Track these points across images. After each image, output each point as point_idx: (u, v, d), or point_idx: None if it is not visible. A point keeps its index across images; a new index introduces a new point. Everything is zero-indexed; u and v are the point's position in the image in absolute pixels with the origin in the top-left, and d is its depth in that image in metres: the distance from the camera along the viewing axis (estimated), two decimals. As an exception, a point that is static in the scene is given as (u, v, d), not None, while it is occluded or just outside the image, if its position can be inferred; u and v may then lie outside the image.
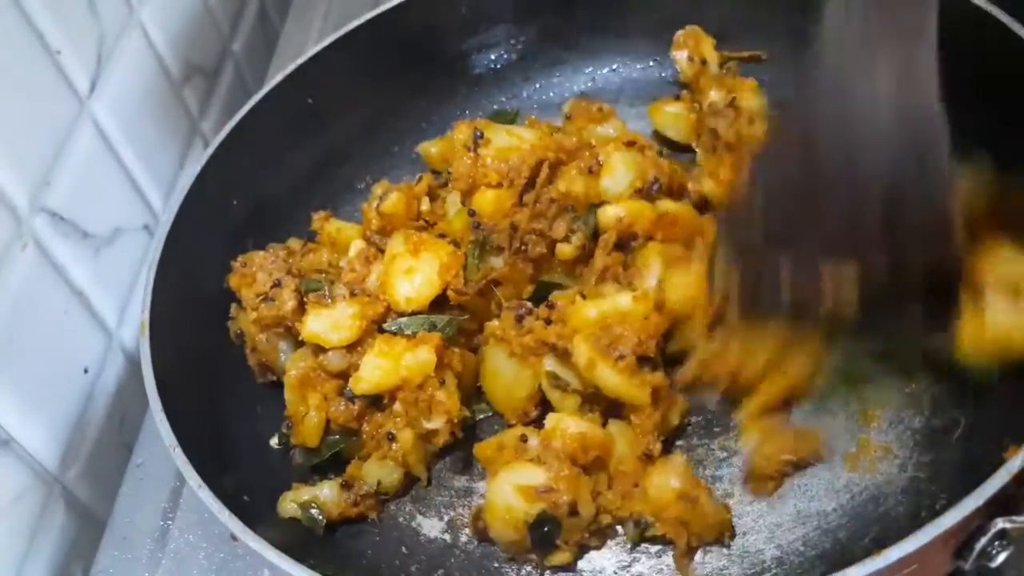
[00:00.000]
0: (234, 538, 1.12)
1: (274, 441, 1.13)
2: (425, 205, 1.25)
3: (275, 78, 1.31)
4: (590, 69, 1.47)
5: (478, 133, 1.17)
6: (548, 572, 1.00)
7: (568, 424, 0.99)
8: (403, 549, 1.06)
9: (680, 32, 1.36)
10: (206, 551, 1.12)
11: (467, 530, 1.05)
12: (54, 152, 1.20)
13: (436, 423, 1.02)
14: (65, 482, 1.18)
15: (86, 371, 1.24)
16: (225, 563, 1.11)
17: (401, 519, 1.08)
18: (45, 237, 1.17)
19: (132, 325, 1.34)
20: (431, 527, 1.07)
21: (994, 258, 0.99)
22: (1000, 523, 0.78)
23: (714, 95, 1.28)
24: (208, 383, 1.14)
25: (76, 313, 1.23)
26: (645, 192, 1.17)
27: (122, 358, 1.32)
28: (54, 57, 1.20)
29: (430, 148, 1.35)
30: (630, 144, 1.21)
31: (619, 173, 1.17)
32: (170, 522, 1.16)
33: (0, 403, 1.07)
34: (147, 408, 1.27)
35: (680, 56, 1.35)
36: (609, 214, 1.14)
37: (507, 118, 1.39)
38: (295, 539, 0.99)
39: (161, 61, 1.47)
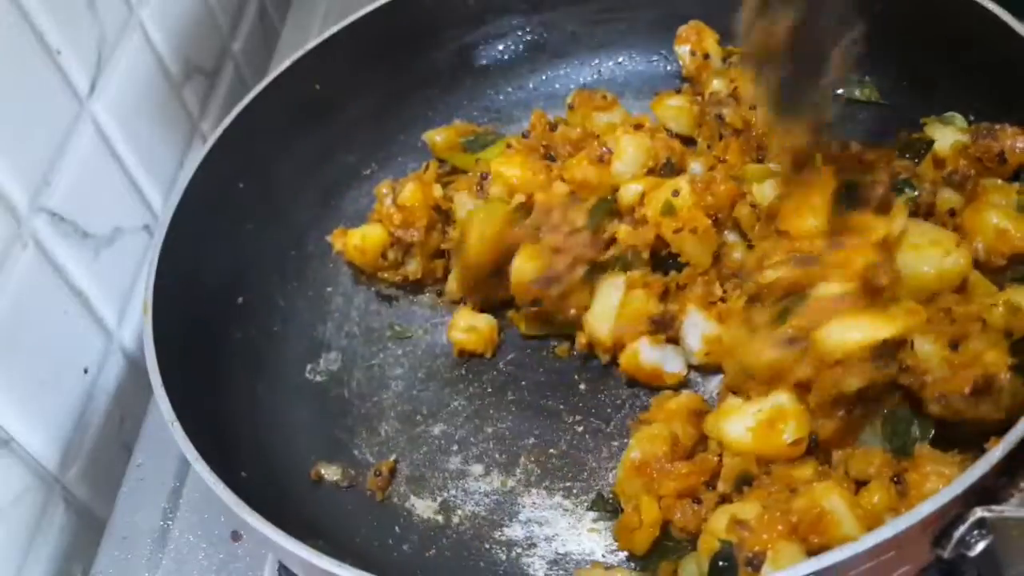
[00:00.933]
0: (234, 538, 1.13)
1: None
2: (438, 192, 1.26)
3: (283, 64, 1.30)
4: (596, 61, 1.47)
5: (485, 175, 1.21)
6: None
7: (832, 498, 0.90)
8: (396, 529, 1.07)
9: (683, 27, 1.37)
10: (206, 551, 1.12)
11: (459, 511, 1.07)
12: (54, 152, 1.20)
13: None
14: (65, 482, 1.18)
15: (86, 371, 1.24)
16: (225, 563, 1.11)
17: (395, 499, 1.09)
18: (45, 237, 1.17)
19: (132, 325, 1.34)
20: (424, 508, 1.08)
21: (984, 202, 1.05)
22: (979, 512, 0.78)
23: (716, 84, 1.30)
24: (208, 364, 1.14)
25: (76, 313, 1.23)
26: (657, 172, 1.19)
27: (122, 358, 1.32)
28: (54, 57, 1.20)
29: (435, 136, 1.36)
30: (638, 127, 1.22)
31: (629, 156, 1.19)
32: (170, 522, 1.16)
33: (0, 403, 1.07)
34: (147, 408, 1.28)
35: (683, 50, 1.36)
36: (629, 191, 1.15)
37: (485, 140, 1.37)
38: (289, 517, 0.97)
39: (161, 61, 1.47)
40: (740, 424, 0.97)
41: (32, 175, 1.15)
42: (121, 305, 1.33)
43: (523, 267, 1.12)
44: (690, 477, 0.97)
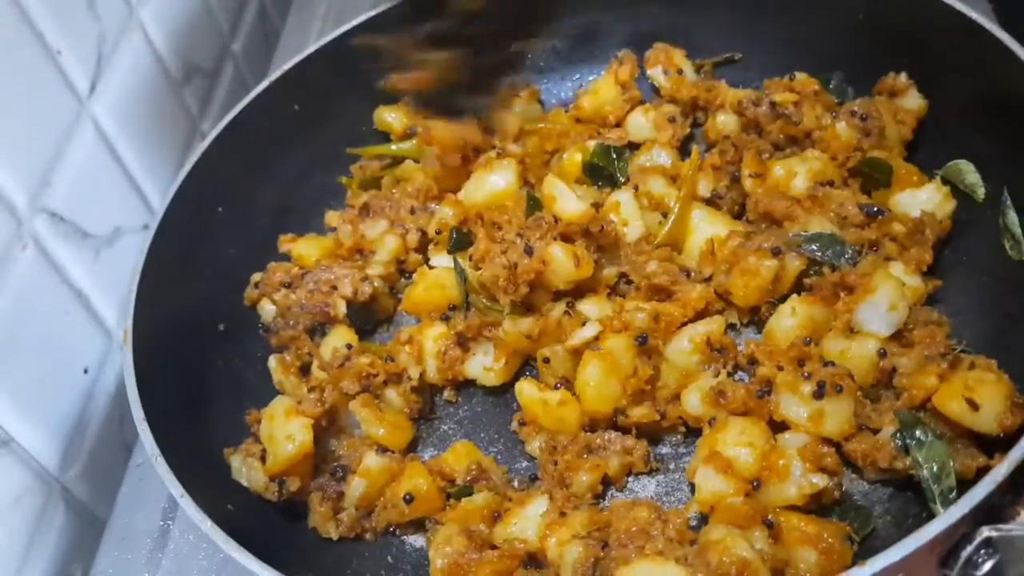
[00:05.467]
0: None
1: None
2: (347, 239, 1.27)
3: (259, 87, 1.31)
4: (577, 76, 1.48)
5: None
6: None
7: (737, 544, 0.88)
8: (388, 559, 1.07)
9: (649, 51, 1.40)
10: (206, 551, 1.12)
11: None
12: (54, 152, 1.20)
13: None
14: (65, 482, 1.18)
15: (86, 371, 1.24)
16: (225, 563, 1.11)
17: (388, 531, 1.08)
18: (45, 237, 1.17)
19: (132, 325, 1.34)
20: (416, 538, 1.07)
21: None
22: (986, 531, 0.78)
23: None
24: (192, 393, 1.14)
25: (76, 313, 1.23)
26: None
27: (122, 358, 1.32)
28: (54, 57, 1.20)
29: (385, 115, 1.38)
30: None
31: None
32: (170, 522, 1.16)
33: (0, 403, 1.07)
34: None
35: (655, 72, 1.39)
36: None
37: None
38: (277, 549, 0.98)
39: (161, 61, 1.47)
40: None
41: (32, 175, 1.15)
42: (121, 305, 1.32)
43: None
44: (504, 560, 0.96)
